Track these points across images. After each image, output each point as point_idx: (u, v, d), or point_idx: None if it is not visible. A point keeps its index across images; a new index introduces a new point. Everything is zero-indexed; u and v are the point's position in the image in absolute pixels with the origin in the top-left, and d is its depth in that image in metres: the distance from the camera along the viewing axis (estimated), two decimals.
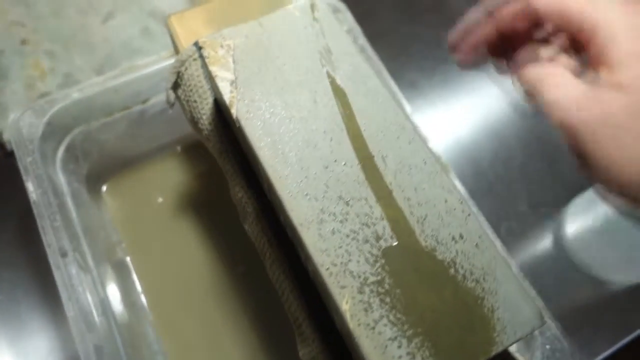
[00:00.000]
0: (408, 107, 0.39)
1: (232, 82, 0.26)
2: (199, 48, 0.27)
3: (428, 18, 0.56)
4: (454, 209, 0.24)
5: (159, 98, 0.39)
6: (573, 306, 0.42)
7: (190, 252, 0.41)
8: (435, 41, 0.54)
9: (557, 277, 0.43)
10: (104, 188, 0.42)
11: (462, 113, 0.51)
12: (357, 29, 0.40)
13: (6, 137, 0.42)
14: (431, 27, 0.55)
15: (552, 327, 0.31)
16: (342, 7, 0.41)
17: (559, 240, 0.44)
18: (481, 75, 0.53)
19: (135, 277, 0.40)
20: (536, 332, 0.31)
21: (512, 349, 0.25)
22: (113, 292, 0.36)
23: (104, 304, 0.33)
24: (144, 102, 0.39)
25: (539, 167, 0.48)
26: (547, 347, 0.30)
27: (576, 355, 0.40)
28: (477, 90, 0.52)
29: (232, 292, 0.40)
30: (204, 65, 0.30)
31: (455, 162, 0.47)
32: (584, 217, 0.42)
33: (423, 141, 0.25)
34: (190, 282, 0.40)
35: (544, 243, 0.44)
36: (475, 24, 0.25)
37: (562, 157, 0.48)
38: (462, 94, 0.52)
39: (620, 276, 0.42)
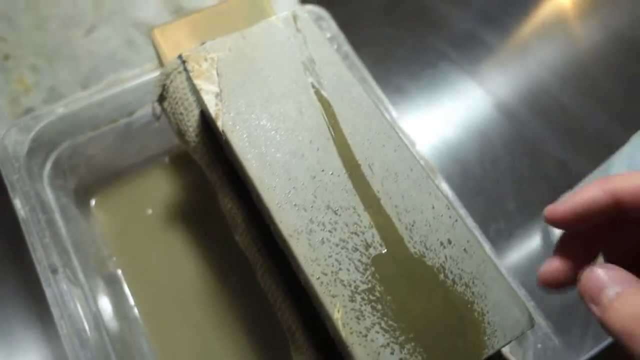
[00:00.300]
0: (394, 112, 0.39)
1: (217, 95, 0.26)
2: (183, 61, 0.27)
3: (411, 23, 0.56)
4: (441, 215, 0.24)
5: (145, 110, 0.39)
6: (563, 304, 0.42)
7: (181, 262, 0.41)
8: (419, 45, 0.55)
9: None
10: (93, 202, 0.42)
11: (448, 116, 0.51)
12: (341, 36, 0.40)
13: None
14: (414, 31, 0.56)
15: (543, 326, 0.31)
16: (326, 14, 0.41)
17: (547, 239, 0.45)
18: (465, 78, 0.54)
19: (127, 290, 0.40)
20: (527, 332, 0.31)
21: (505, 349, 0.26)
22: (105, 306, 0.36)
23: (97, 319, 0.33)
24: (130, 114, 0.39)
25: (525, 167, 0.48)
26: (539, 346, 0.31)
27: (567, 352, 0.40)
28: (462, 93, 0.53)
29: (225, 302, 0.40)
30: (189, 79, 0.30)
31: (442, 164, 0.48)
32: None
33: (408, 148, 0.26)
34: (183, 292, 0.40)
35: (532, 242, 0.45)
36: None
37: (546, 156, 0.49)
38: (448, 97, 0.52)
39: None
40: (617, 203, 0.20)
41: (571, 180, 0.45)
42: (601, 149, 0.46)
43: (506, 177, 0.47)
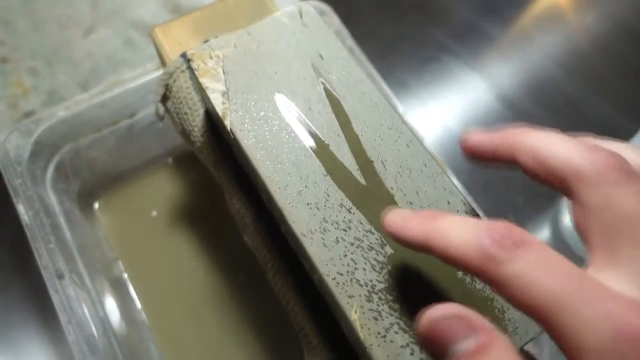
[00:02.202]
0: (400, 107, 0.39)
1: (224, 94, 0.25)
2: (188, 60, 0.27)
3: (413, 17, 0.56)
4: (457, 211, 0.23)
5: (147, 111, 0.38)
6: None
7: (188, 264, 0.41)
8: (421, 39, 0.54)
9: None
10: (97, 205, 0.41)
11: (453, 109, 0.51)
12: (344, 31, 0.40)
13: None
14: (416, 25, 0.55)
15: None
16: (328, 9, 0.40)
17: (557, 231, 0.44)
18: (468, 70, 0.53)
19: (133, 293, 0.39)
20: None
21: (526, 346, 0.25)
22: (112, 311, 0.35)
23: (104, 324, 0.32)
24: (132, 116, 0.38)
25: None
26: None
27: None
28: (466, 86, 0.52)
29: (233, 303, 0.39)
30: (193, 77, 0.30)
31: (450, 158, 0.47)
32: None
33: (421, 143, 0.25)
34: (190, 294, 0.40)
35: (541, 236, 0.44)
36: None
37: None
38: (452, 90, 0.52)
39: None
40: (515, 160, 0.20)
41: None
42: None
43: (514, 171, 0.47)
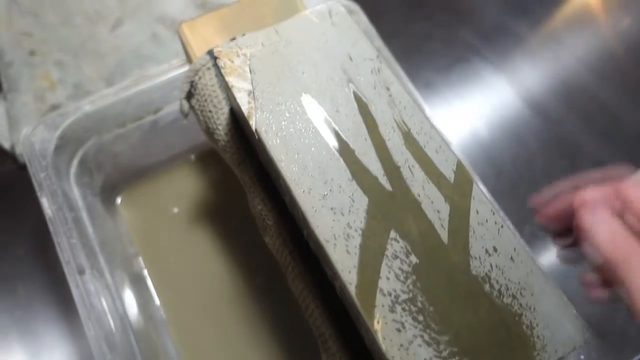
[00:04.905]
0: (426, 108, 0.38)
1: (250, 93, 0.25)
2: (214, 57, 0.26)
3: (440, 16, 0.55)
4: (486, 221, 0.23)
5: (171, 107, 0.38)
6: (600, 311, 0.41)
7: (207, 262, 0.40)
8: (449, 39, 0.53)
9: None
10: (119, 200, 0.41)
11: (480, 112, 0.49)
12: (372, 31, 0.39)
13: (18, 150, 0.42)
14: (444, 25, 0.54)
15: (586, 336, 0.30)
16: (356, 8, 0.40)
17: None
18: (496, 72, 0.52)
19: (152, 289, 0.39)
20: None
21: None
22: (131, 307, 0.35)
23: (123, 320, 0.32)
24: (156, 112, 0.38)
25: (560, 167, 0.46)
26: (582, 357, 0.29)
27: None
28: (493, 88, 0.51)
29: (251, 303, 0.39)
30: (219, 75, 0.29)
31: (475, 162, 0.46)
32: None
33: (450, 148, 0.24)
34: (209, 293, 0.39)
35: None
36: (561, 193, 0.25)
37: (583, 156, 0.47)
38: (479, 92, 0.51)
39: None
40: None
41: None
42: None
43: (542, 177, 0.46)
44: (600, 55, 0.54)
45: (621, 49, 0.55)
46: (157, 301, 0.38)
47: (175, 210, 0.42)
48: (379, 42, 0.39)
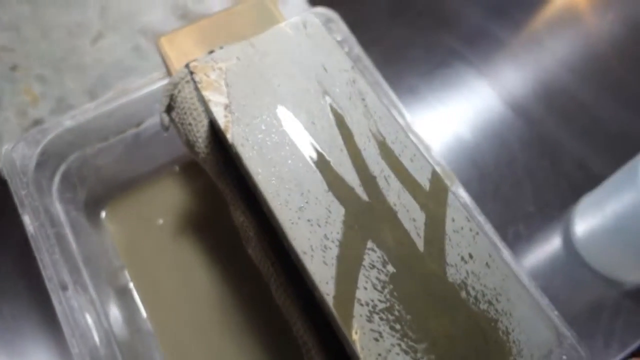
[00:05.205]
0: (408, 115, 0.38)
1: (227, 107, 0.25)
2: (191, 72, 0.27)
3: (421, 23, 0.55)
4: (462, 228, 0.23)
5: (153, 120, 0.38)
6: (586, 309, 0.41)
7: (194, 273, 0.40)
8: (431, 45, 0.54)
9: (569, 279, 0.42)
10: (103, 214, 0.41)
11: (463, 116, 0.50)
12: (352, 39, 0.39)
13: (0, 167, 0.42)
14: (426, 30, 0.55)
15: (568, 336, 0.30)
16: (335, 16, 0.40)
17: (568, 241, 0.43)
18: (479, 76, 0.52)
19: (139, 302, 0.39)
20: None
21: None
22: (117, 320, 0.35)
23: (108, 335, 0.32)
24: (138, 124, 0.38)
25: (543, 168, 0.47)
26: (564, 357, 0.30)
27: None
28: (476, 92, 0.51)
29: (239, 313, 0.39)
30: (197, 89, 0.29)
31: (459, 166, 0.47)
32: (594, 216, 0.41)
33: (425, 157, 0.25)
34: (196, 304, 0.39)
35: (553, 245, 0.43)
36: None
37: (566, 156, 0.48)
38: (462, 97, 0.51)
39: (632, 276, 0.42)
40: None
41: (592, 181, 0.44)
42: (623, 148, 0.45)
43: (524, 178, 0.46)
44: (580, 56, 0.54)
45: (600, 49, 0.55)
46: (144, 314, 0.38)
47: (161, 221, 0.42)
48: (359, 49, 0.39)
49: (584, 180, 0.46)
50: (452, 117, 0.50)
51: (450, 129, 0.49)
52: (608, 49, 0.55)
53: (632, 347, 0.40)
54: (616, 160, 0.42)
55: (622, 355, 0.40)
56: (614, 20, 0.57)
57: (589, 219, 0.42)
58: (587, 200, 0.43)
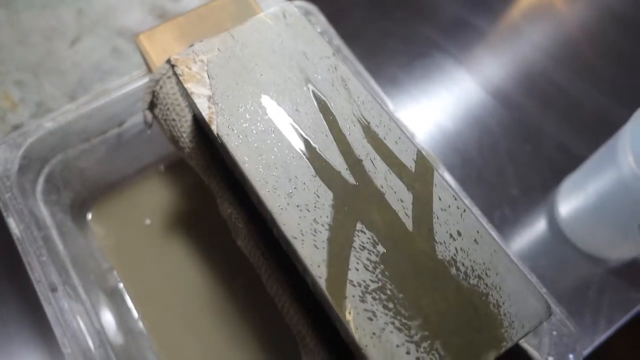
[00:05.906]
0: (390, 104, 0.38)
1: (210, 98, 0.25)
2: (172, 66, 0.27)
3: (400, 14, 0.56)
4: (449, 206, 0.23)
5: (136, 119, 0.38)
6: (573, 287, 0.42)
7: (184, 271, 0.40)
8: (410, 36, 0.54)
9: (555, 259, 0.43)
10: (89, 216, 0.41)
11: (445, 105, 0.50)
12: (331, 31, 0.40)
13: None
14: (405, 22, 0.55)
15: (557, 312, 0.31)
16: (314, 9, 0.40)
17: (553, 222, 0.44)
18: (458, 65, 0.53)
19: (130, 303, 0.39)
20: None
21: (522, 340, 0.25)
22: (109, 321, 0.35)
23: (101, 336, 0.32)
24: (120, 124, 0.38)
25: (525, 152, 0.48)
26: (554, 333, 0.30)
27: (582, 337, 0.40)
28: (456, 81, 0.52)
29: (232, 308, 0.39)
30: (179, 83, 0.29)
31: (442, 153, 0.47)
32: (577, 197, 0.42)
33: (410, 139, 0.25)
34: (188, 301, 0.39)
35: (538, 226, 0.44)
36: None
37: (546, 139, 0.48)
38: (442, 86, 0.52)
39: (616, 253, 0.42)
40: None
41: (574, 162, 0.45)
42: (601, 129, 0.46)
43: (507, 163, 0.47)
44: (557, 42, 0.55)
45: (576, 34, 0.56)
46: (135, 314, 0.38)
47: (148, 221, 0.42)
48: (338, 41, 0.39)
49: (565, 162, 0.46)
50: (433, 106, 0.50)
51: (432, 117, 0.50)
52: (581, 34, 0.56)
53: (620, 323, 0.41)
54: (595, 141, 0.43)
55: (610, 331, 0.41)
56: (586, 6, 0.58)
57: (572, 200, 0.43)
58: (570, 181, 0.44)
